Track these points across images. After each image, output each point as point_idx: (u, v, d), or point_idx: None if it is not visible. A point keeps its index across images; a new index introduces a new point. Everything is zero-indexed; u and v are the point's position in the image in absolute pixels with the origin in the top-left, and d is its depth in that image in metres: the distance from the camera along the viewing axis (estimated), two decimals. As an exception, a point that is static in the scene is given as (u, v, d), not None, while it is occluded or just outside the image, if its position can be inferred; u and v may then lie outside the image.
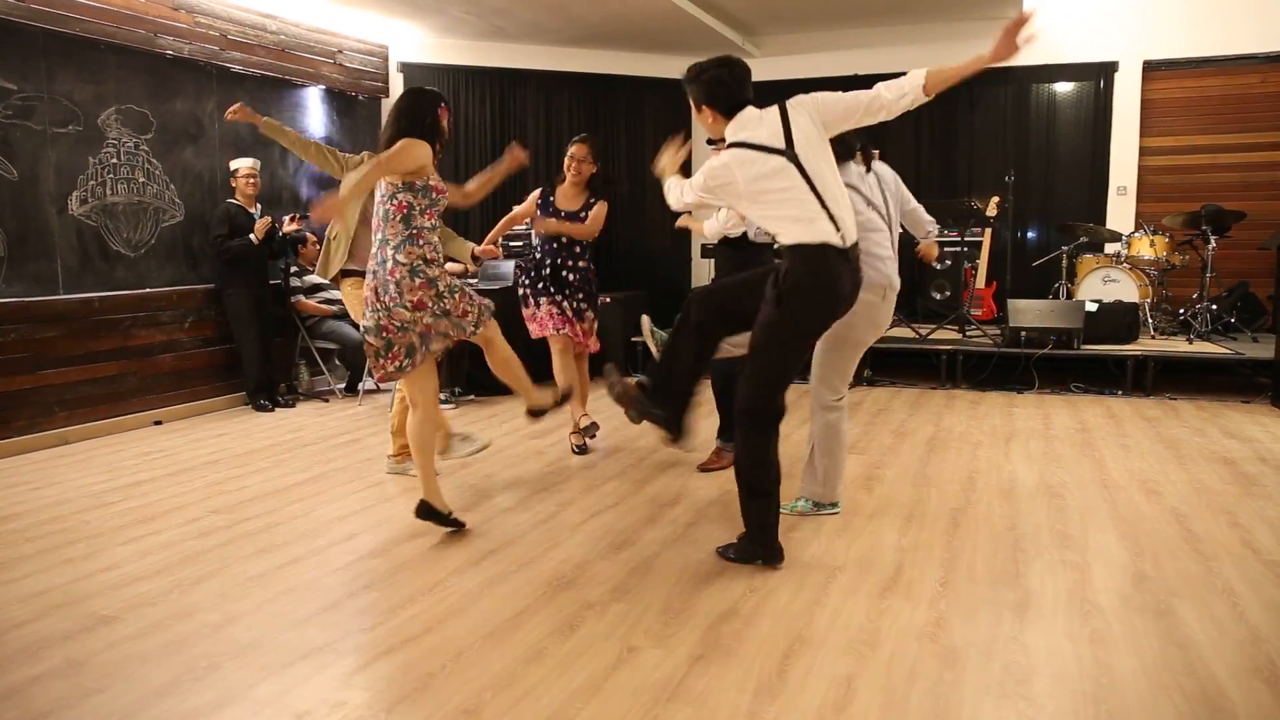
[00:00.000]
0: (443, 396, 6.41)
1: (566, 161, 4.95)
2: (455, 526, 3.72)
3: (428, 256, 3.55)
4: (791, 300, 3.09)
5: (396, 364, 3.60)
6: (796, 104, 3.14)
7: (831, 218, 3.05)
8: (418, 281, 3.50)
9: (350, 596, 3.08)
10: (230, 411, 6.39)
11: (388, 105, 8.00)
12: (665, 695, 2.38)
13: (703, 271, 9.39)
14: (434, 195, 3.59)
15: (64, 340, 5.48)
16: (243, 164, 6.32)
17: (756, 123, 3.12)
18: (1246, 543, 3.50)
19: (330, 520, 3.91)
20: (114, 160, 5.78)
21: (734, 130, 3.14)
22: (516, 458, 5.01)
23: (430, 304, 3.54)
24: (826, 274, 3.07)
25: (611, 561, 3.37)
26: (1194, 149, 8.10)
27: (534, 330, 5.05)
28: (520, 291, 5.07)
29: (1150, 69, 8.05)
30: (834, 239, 3.05)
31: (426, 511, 3.64)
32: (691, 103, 3.25)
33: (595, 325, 5.08)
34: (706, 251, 8.95)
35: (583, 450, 5.10)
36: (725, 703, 2.34)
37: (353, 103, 7.72)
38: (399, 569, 3.33)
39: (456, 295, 3.62)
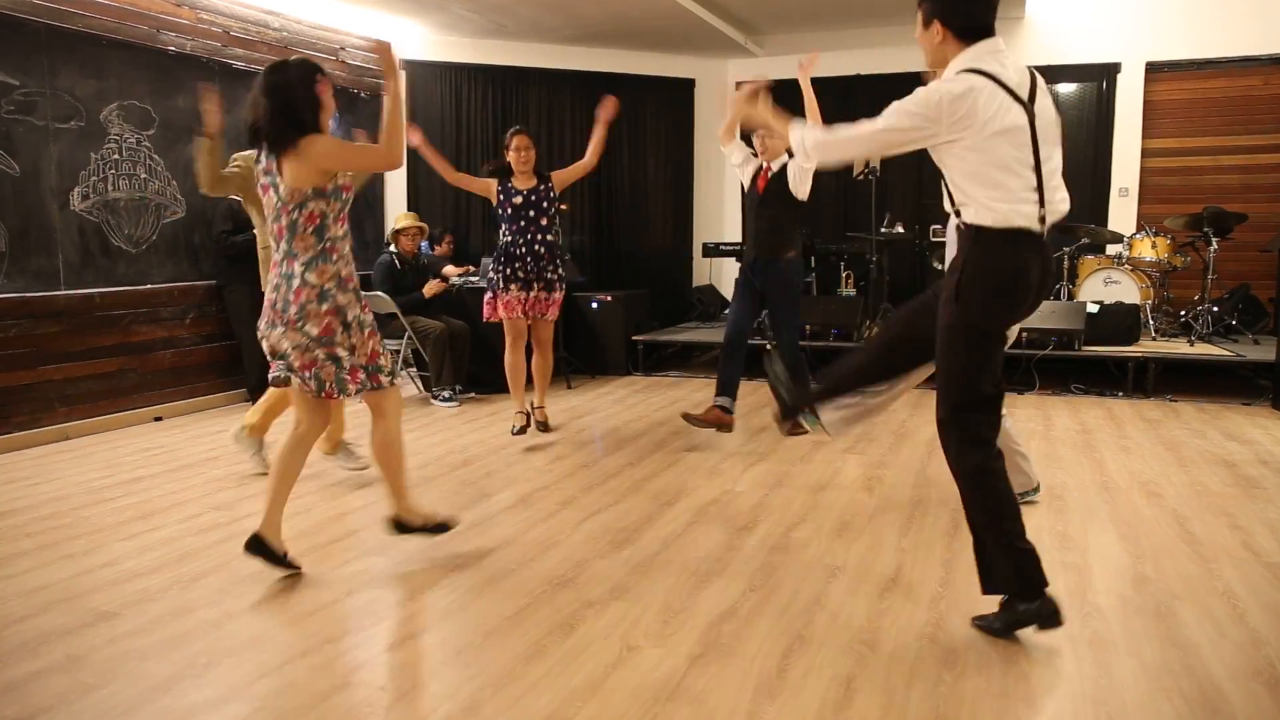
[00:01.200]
0: (445, 394, 6.41)
1: (513, 155, 5.12)
2: (290, 568, 3.22)
3: (342, 275, 3.09)
4: (968, 293, 2.64)
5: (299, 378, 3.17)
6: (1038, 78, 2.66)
7: (1041, 199, 2.63)
8: (324, 308, 3.04)
9: (350, 594, 3.08)
10: (231, 408, 6.38)
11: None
12: (665, 695, 2.38)
13: (704, 270, 9.38)
14: (344, 195, 3.11)
15: (65, 336, 5.48)
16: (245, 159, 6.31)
17: (1004, 58, 2.57)
18: (1247, 545, 3.50)
19: (330, 517, 3.91)
20: (116, 156, 5.78)
21: (973, 58, 2.57)
22: (516, 455, 5.00)
23: (336, 333, 3.08)
24: (1011, 263, 2.63)
25: (611, 560, 3.37)
26: (1196, 151, 8.10)
27: (487, 312, 5.27)
28: (490, 277, 5.27)
29: (1153, 70, 8.05)
30: (1032, 223, 2.63)
31: (258, 547, 3.16)
32: (919, 19, 2.67)
33: (561, 292, 5.33)
34: (708, 250, 8.94)
35: (544, 428, 5.31)
36: (725, 702, 2.34)
37: (355, 100, 7.71)
38: (399, 566, 3.33)
39: (366, 332, 3.15)
